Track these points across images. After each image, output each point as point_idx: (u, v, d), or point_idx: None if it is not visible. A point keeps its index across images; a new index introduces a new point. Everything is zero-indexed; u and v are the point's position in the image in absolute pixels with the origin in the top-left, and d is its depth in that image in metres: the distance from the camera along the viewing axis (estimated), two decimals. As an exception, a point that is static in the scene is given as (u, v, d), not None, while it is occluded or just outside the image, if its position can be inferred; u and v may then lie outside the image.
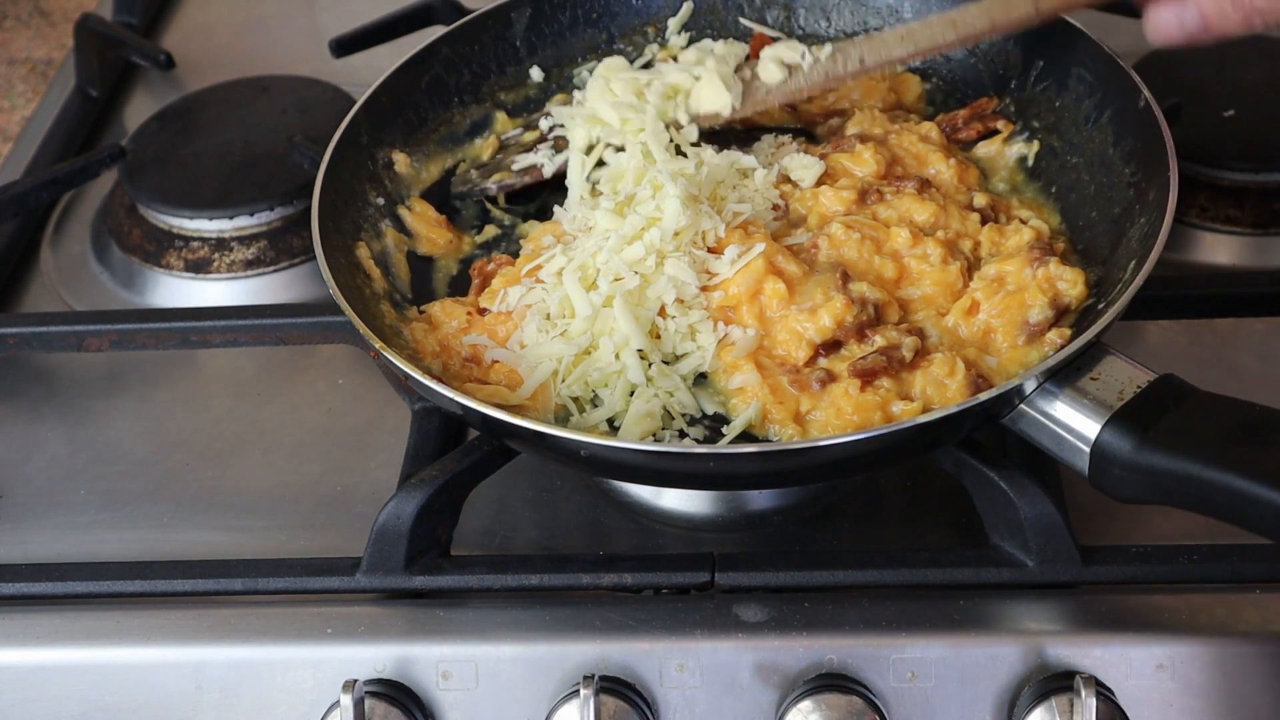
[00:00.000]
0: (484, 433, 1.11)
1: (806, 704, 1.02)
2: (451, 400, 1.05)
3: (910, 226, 1.20)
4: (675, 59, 1.39)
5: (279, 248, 1.44)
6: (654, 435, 1.10)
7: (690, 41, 1.44)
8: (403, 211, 1.30)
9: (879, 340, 1.11)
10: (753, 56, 1.38)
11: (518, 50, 1.43)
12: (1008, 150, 1.31)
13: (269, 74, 1.63)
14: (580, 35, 1.44)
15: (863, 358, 1.09)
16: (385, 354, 1.08)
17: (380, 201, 1.29)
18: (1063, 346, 1.09)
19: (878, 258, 1.18)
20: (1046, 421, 1.02)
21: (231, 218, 1.45)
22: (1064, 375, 1.02)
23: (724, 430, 1.10)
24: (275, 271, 1.44)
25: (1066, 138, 1.29)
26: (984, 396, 1.01)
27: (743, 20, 1.44)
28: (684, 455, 1.03)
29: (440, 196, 1.35)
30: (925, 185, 1.24)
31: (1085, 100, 1.27)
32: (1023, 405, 1.03)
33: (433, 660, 1.05)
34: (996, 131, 1.32)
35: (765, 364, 1.12)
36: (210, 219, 1.45)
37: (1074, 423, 1.01)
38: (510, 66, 1.42)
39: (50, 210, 1.56)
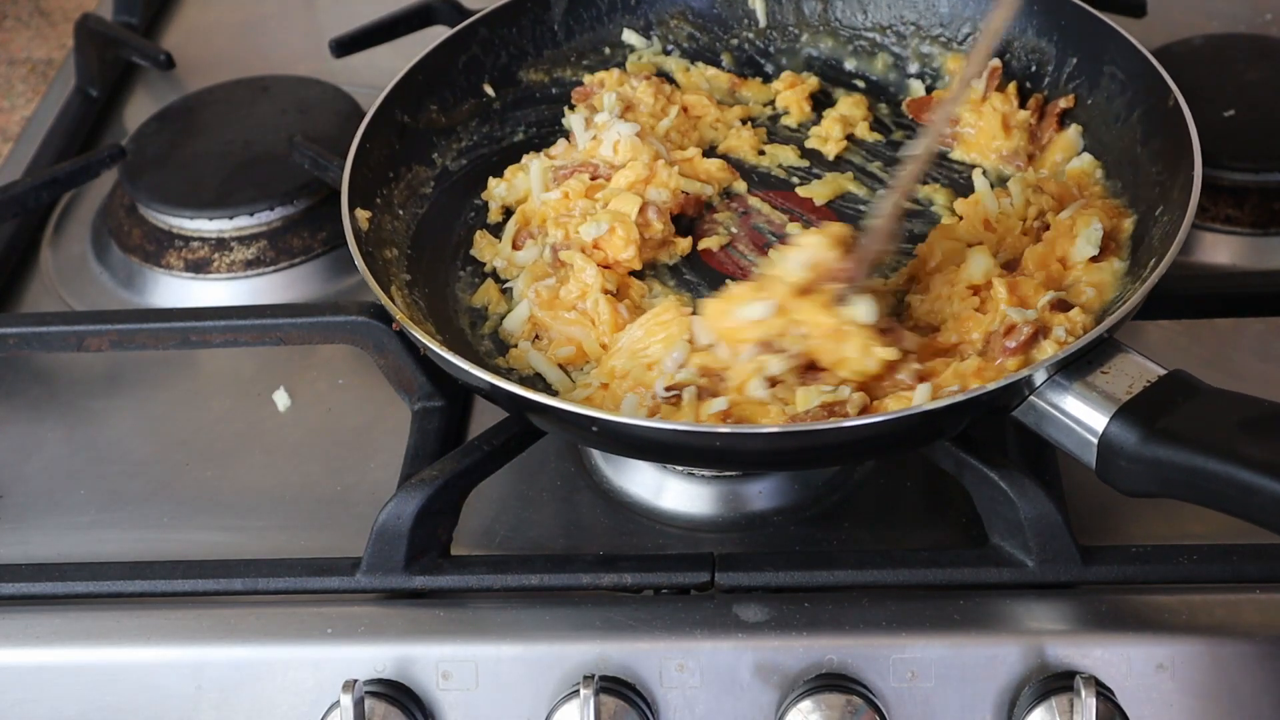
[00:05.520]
0: (510, 412, 1.12)
1: (806, 704, 1.02)
2: (468, 373, 1.06)
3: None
4: None
5: (279, 248, 1.44)
6: None
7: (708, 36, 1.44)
8: None
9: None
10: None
11: (555, 34, 1.43)
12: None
13: (269, 74, 1.63)
14: (618, 21, 1.45)
15: (806, 411, 1.07)
16: (406, 327, 1.09)
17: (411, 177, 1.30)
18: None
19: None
20: (1056, 413, 1.02)
21: (231, 218, 1.44)
22: (1075, 368, 1.02)
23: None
24: (275, 271, 1.44)
25: (1096, 135, 1.29)
26: (992, 386, 1.01)
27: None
28: (697, 433, 1.03)
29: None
30: None
31: (1116, 99, 1.28)
32: (1033, 397, 1.03)
33: (433, 660, 1.05)
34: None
35: None
36: (210, 219, 1.45)
37: (1083, 415, 1.01)
38: (547, 49, 1.42)
39: (50, 210, 1.56)
